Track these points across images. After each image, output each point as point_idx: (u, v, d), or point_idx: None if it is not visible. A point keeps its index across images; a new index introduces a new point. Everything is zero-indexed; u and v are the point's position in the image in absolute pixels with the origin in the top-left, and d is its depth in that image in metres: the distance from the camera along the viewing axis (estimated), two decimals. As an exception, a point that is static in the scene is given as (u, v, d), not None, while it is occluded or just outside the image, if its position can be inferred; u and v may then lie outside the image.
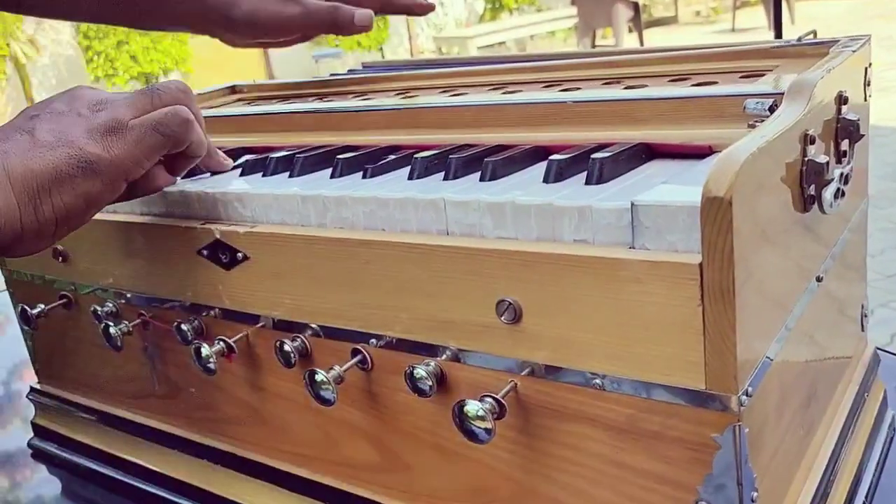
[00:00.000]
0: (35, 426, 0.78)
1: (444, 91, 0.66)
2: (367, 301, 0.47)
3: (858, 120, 0.46)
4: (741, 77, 0.54)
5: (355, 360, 0.49)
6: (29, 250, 0.47)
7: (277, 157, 0.57)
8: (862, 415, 0.55)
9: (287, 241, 0.50)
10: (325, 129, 0.65)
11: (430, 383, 0.45)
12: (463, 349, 0.44)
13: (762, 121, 0.41)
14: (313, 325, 0.51)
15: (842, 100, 0.46)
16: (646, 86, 0.55)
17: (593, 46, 7.77)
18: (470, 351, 0.44)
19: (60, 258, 0.66)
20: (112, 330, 0.60)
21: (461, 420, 0.41)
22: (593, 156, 0.44)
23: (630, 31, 8.26)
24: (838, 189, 0.42)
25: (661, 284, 0.36)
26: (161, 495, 0.65)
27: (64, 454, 0.74)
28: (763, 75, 0.53)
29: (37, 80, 7.55)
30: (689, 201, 0.35)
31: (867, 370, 0.58)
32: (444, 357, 0.45)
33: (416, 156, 0.51)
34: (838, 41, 0.54)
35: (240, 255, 0.52)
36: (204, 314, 0.57)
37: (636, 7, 7.81)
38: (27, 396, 0.79)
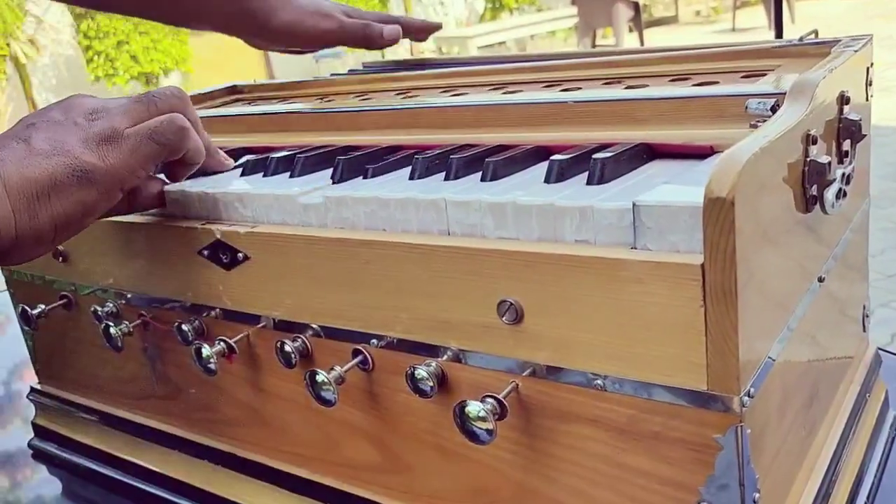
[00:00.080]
0: (35, 426, 0.78)
1: (445, 91, 0.66)
2: (367, 301, 0.47)
3: (860, 120, 0.46)
4: (742, 77, 0.54)
5: (356, 360, 0.49)
6: (25, 258, 0.48)
7: (278, 158, 0.57)
8: (863, 415, 0.55)
9: (288, 241, 0.50)
10: (325, 130, 0.65)
11: (431, 384, 0.45)
12: (464, 350, 0.44)
13: (764, 121, 0.41)
14: (314, 326, 0.51)
15: (844, 100, 0.46)
16: (647, 86, 0.55)
17: (594, 46, 7.77)
18: (471, 351, 0.44)
19: (61, 258, 0.66)
20: (112, 330, 0.60)
21: (462, 421, 0.41)
22: (594, 156, 0.44)
23: (630, 30, 8.26)
24: (840, 189, 0.42)
25: (662, 285, 0.36)
26: (161, 496, 0.65)
27: (64, 454, 0.74)
28: (764, 75, 0.52)
29: (37, 80, 7.55)
30: (691, 202, 0.35)
31: (869, 370, 0.58)
32: (445, 357, 0.45)
33: (416, 156, 0.51)
34: (840, 41, 0.54)
35: (240, 255, 0.52)
36: (204, 314, 0.57)
37: (636, 7, 7.81)
38: (27, 397, 0.79)
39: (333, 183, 0.52)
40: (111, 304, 0.63)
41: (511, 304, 0.41)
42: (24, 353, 0.78)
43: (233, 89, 0.88)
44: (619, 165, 0.44)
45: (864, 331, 0.60)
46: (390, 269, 0.45)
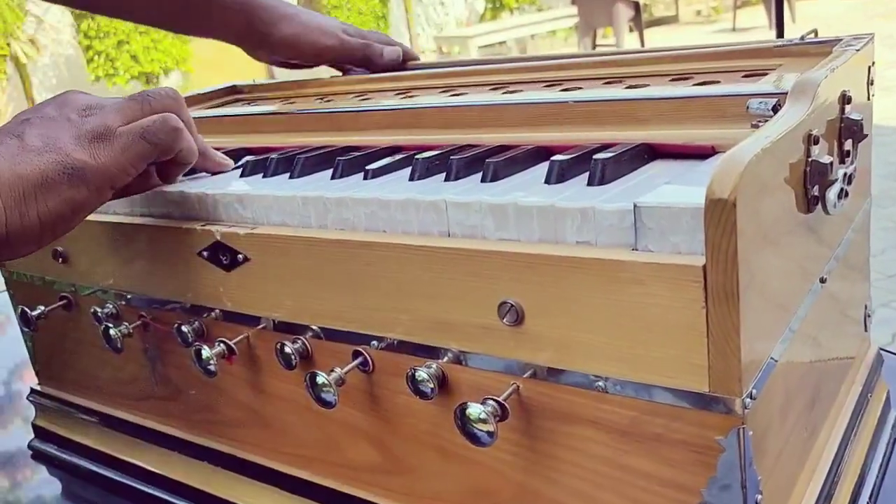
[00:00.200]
0: (35, 427, 0.78)
1: (445, 91, 0.66)
2: (368, 303, 0.47)
3: (862, 119, 0.46)
4: (743, 76, 0.53)
5: (356, 362, 0.49)
6: (14, 254, 0.47)
7: (278, 158, 0.57)
8: (865, 416, 0.55)
9: (288, 242, 0.49)
10: (325, 130, 0.65)
11: (432, 385, 0.45)
12: (464, 351, 0.44)
13: (765, 121, 0.41)
14: (314, 327, 0.51)
15: (845, 99, 0.46)
16: (647, 85, 0.55)
17: (594, 46, 7.76)
18: (472, 353, 0.44)
19: (60, 259, 0.66)
20: (112, 331, 0.60)
21: (463, 423, 0.41)
22: (595, 156, 0.43)
23: (631, 30, 8.25)
24: (842, 189, 0.42)
25: (664, 286, 0.36)
26: (161, 497, 0.65)
27: (64, 455, 0.74)
28: (765, 75, 0.52)
29: (37, 80, 7.55)
30: (692, 202, 0.35)
31: (870, 371, 0.58)
32: (445, 359, 0.45)
33: (417, 157, 0.51)
34: (841, 40, 0.54)
35: (240, 256, 0.52)
36: (204, 316, 0.57)
37: (637, 6, 7.80)
38: (27, 398, 0.79)
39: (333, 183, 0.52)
40: (111, 306, 0.63)
41: (512, 305, 0.41)
42: (24, 354, 0.78)
43: (233, 89, 0.87)
44: (620, 166, 0.44)
45: (866, 331, 0.60)
46: (390, 270, 0.45)
